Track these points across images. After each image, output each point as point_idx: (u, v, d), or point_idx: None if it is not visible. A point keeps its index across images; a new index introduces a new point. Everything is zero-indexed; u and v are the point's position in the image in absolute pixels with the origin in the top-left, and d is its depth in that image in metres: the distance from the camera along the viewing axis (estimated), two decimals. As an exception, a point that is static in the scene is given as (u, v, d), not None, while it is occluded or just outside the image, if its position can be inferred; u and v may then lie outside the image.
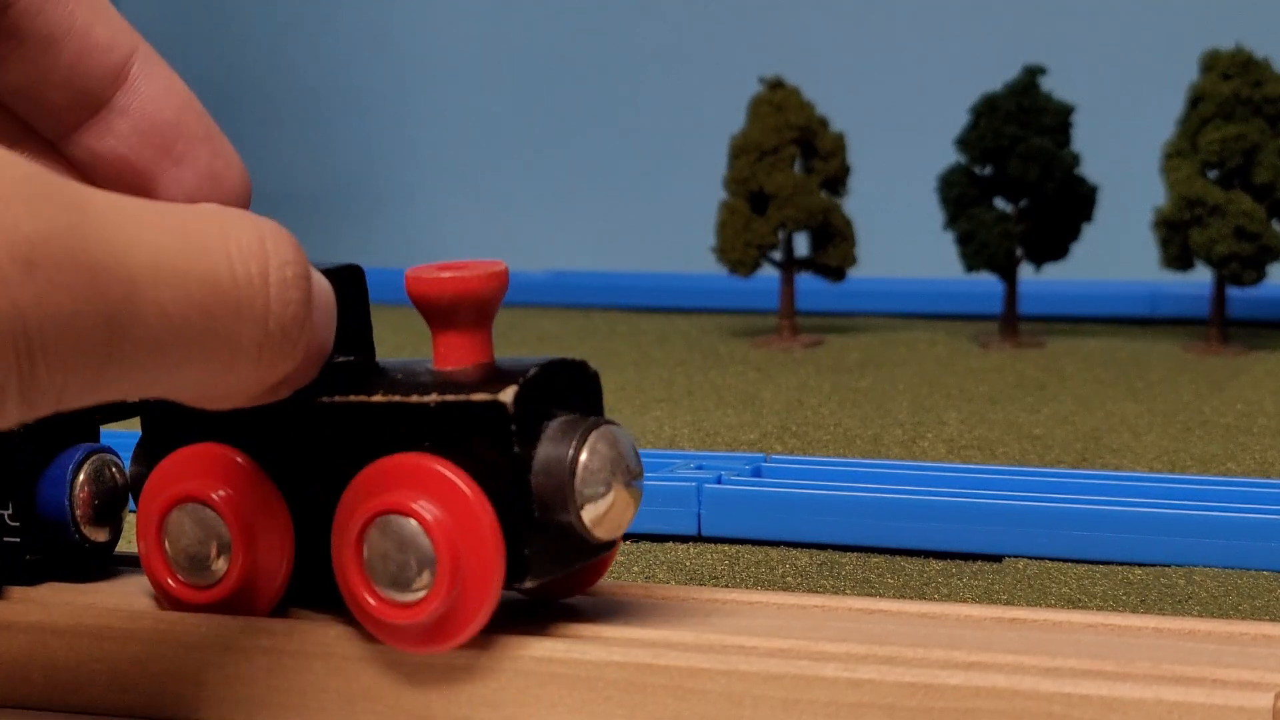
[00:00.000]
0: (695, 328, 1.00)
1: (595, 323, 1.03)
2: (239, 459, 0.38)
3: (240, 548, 0.38)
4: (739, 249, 0.92)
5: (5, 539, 0.40)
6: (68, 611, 0.39)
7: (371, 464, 0.36)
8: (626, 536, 0.57)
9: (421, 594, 0.35)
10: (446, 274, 0.36)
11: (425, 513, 0.35)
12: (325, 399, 0.37)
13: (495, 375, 0.36)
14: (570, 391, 0.37)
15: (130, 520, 0.40)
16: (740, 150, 0.93)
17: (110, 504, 0.41)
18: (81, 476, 0.40)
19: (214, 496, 0.38)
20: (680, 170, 1.32)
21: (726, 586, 0.52)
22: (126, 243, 0.29)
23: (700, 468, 0.60)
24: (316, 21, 1.44)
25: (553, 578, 0.37)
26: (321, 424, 0.37)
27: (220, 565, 0.38)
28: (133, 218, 0.29)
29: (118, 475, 0.41)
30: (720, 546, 0.56)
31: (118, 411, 0.42)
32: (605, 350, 0.93)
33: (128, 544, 0.41)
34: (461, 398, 0.36)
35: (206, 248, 0.30)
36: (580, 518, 0.36)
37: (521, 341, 0.95)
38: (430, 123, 1.42)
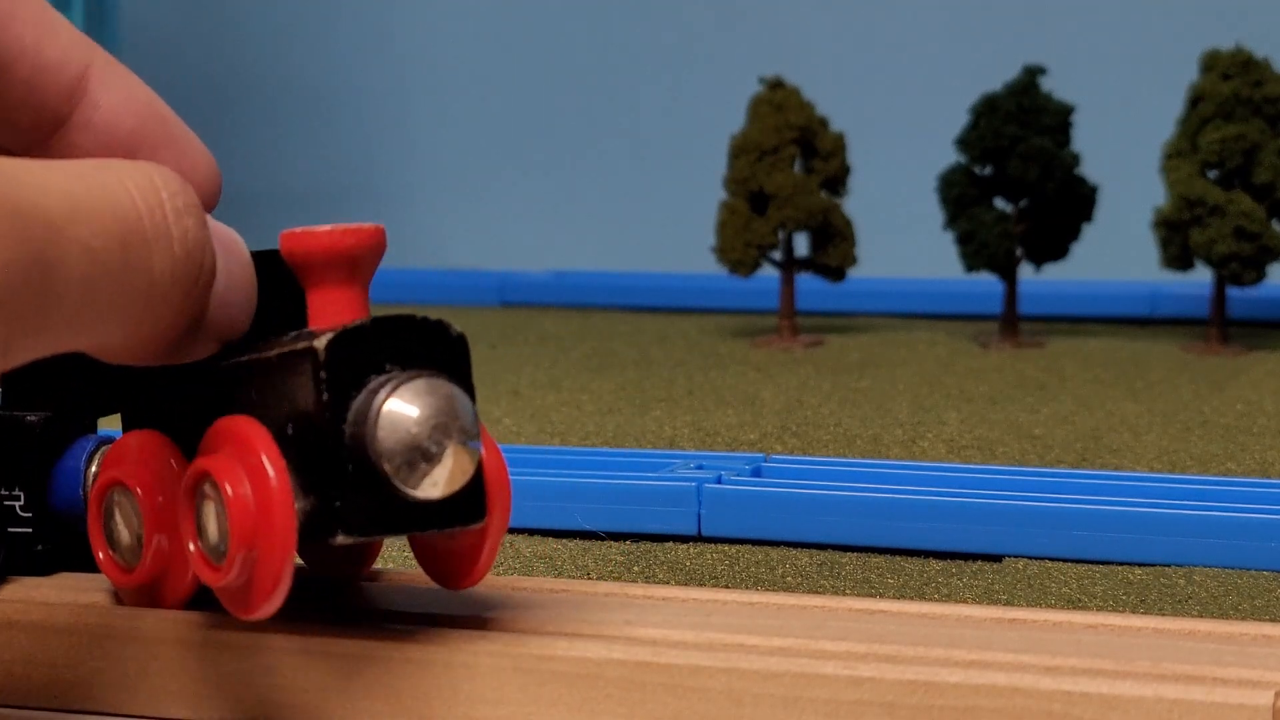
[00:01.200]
0: (695, 328, 1.00)
1: (595, 323, 1.03)
2: (159, 440, 0.38)
3: (151, 531, 0.38)
4: (739, 249, 0.92)
5: (14, 530, 0.41)
6: (68, 611, 0.39)
7: (217, 421, 0.36)
8: (626, 536, 0.57)
9: (222, 559, 0.35)
10: (318, 231, 0.36)
11: (228, 488, 0.35)
12: (218, 365, 0.37)
13: (326, 329, 0.35)
14: (422, 352, 0.36)
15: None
16: (740, 150, 0.93)
17: None
18: (94, 468, 0.41)
19: (129, 480, 0.38)
20: (680, 170, 1.32)
21: (726, 586, 0.52)
22: (39, 189, 0.30)
23: (700, 468, 0.60)
24: (316, 21, 1.44)
25: (374, 538, 0.36)
26: (208, 392, 0.37)
27: (138, 551, 0.38)
28: (38, 171, 0.31)
29: None
30: (720, 546, 0.56)
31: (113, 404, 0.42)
32: (605, 350, 0.93)
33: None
34: (286, 349, 0.35)
35: (108, 187, 0.32)
36: (384, 470, 0.35)
37: (523, 341, 0.95)
38: (430, 123, 1.42)
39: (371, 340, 0.35)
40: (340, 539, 0.35)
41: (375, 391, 0.35)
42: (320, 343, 0.35)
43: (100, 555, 0.39)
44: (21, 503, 0.41)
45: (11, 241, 0.29)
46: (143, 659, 0.38)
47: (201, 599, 0.38)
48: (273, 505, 0.35)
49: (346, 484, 0.35)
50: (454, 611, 0.38)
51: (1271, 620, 0.48)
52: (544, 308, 1.08)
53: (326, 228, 0.36)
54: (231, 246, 0.35)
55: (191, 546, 0.36)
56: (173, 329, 0.34)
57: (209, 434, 0.36)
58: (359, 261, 0.36)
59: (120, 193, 0.32)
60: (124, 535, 0.39)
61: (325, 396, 0.35)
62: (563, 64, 1.38)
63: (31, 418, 0.41)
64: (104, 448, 0.41)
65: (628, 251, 1.31)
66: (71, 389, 0.41)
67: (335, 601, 0.39)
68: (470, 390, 0.36)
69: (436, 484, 0.35)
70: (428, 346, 0.36)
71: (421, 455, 0.35)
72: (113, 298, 0.32)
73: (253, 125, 1.45)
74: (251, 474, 0.35)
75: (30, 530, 0.41)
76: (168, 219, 0.33)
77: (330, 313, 0.36)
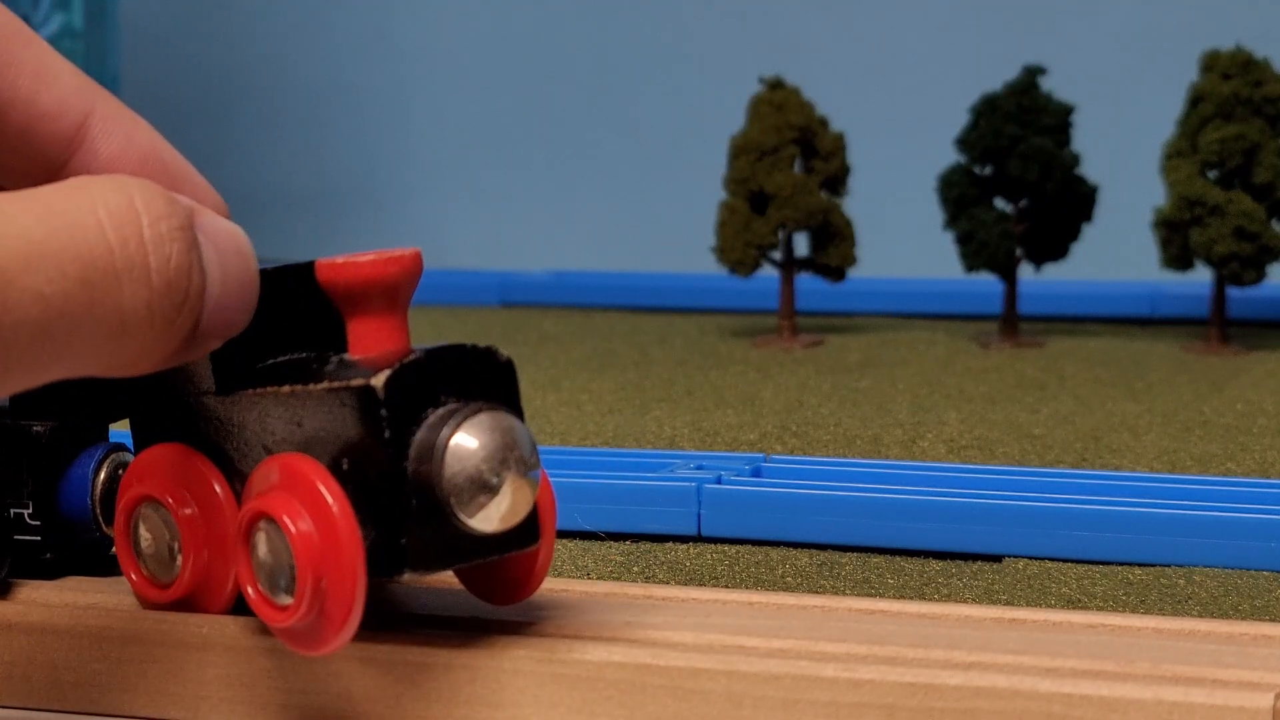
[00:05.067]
0: (695, 328, 1.00)
1: (595, 323, 1.03)
2: (193, 458, 0.38)
3: (190, 546, 0.38)
4: (739, 249, 0.92)
5: (22, 537, 0.41)
6: (69, 612, 0.39)
7: (265, 460, 0.36)
8: (626, 536, 0.57)
9: (289, 599, 0.35)
10: (360, 260, 0.36)
11: (290, 524, 0.35)
12: (251, 391, 0.37)
13: (376, 364, 0.35)
14: (472, 380, 0.36)
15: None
16: (740, 150, 0.93)
17: None
18: (103, 476, 0.41)
19: (163, 496, 0.38)
20: (680, 170, 1.32)
21: (726, 586, 0.52)
22: None
23: (700, 468, 0.60)
24: (316, 22, 1.44)
25: (438, 571, 0.36)
26: (243, 416, 0.37)
27: (176, 564, 0.38)
28: (3, 212, 0.30)
29: None
30: (720, 546, 0.56)
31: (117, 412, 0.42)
32: (605, 350, 0.93)
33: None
34: (340, 384, 0.35)
35: (77, 223, 0.31)
36: (451, 506, 0.35)
37: (523, 341, 0.95)
38: (430, 123, 1.42)
39: (426, 373, 0.35)
40: (407, 576, 0.35)
41: (437, 427, 0.35)
42: (379, 381, 0.35)
43: (133, 577, 0.39)
44: (30, 511, 0.41)
45: None
46: (143, 660, 0.38)
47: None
48: (340, 539, 0.34)
49: (411, 520, 0.35)
50: (454, 615, 0.38)
51: (1271, 620, 0.48)
52: (544, 308, 1.08)
53: (367, 257, 0.36)
54: (228, 244, 0.34)
55: (250, 590, 0.36)
56: (155, 352, 0.33)
57: (258, 474, 0.36)
58: (399, 290, 0.36)
59: (89, 227, 0.31)
60: (155, 550, 0.38)
61: (387, 434, 0.34)
62: (563, 64, 1.38)
63: (38, 427, 0.41)
64: (113, 455, 0.41)
65: (628, 251, 1.31)
66: (79, 398, 0.41)
67: None
68: (520, 414, 0.36)
69: (501, 516, 0.35)
70: (478, 374, 0.36)
71: (486, 489, 0.35)
72: (73, 339, 0.31)
73: (252, 125, 1.45)
74: (313, 509, 0.35)
75: (39, 539, 0.41)
76: (146, 248, 0.32)
77: (372, 342, 0.36)
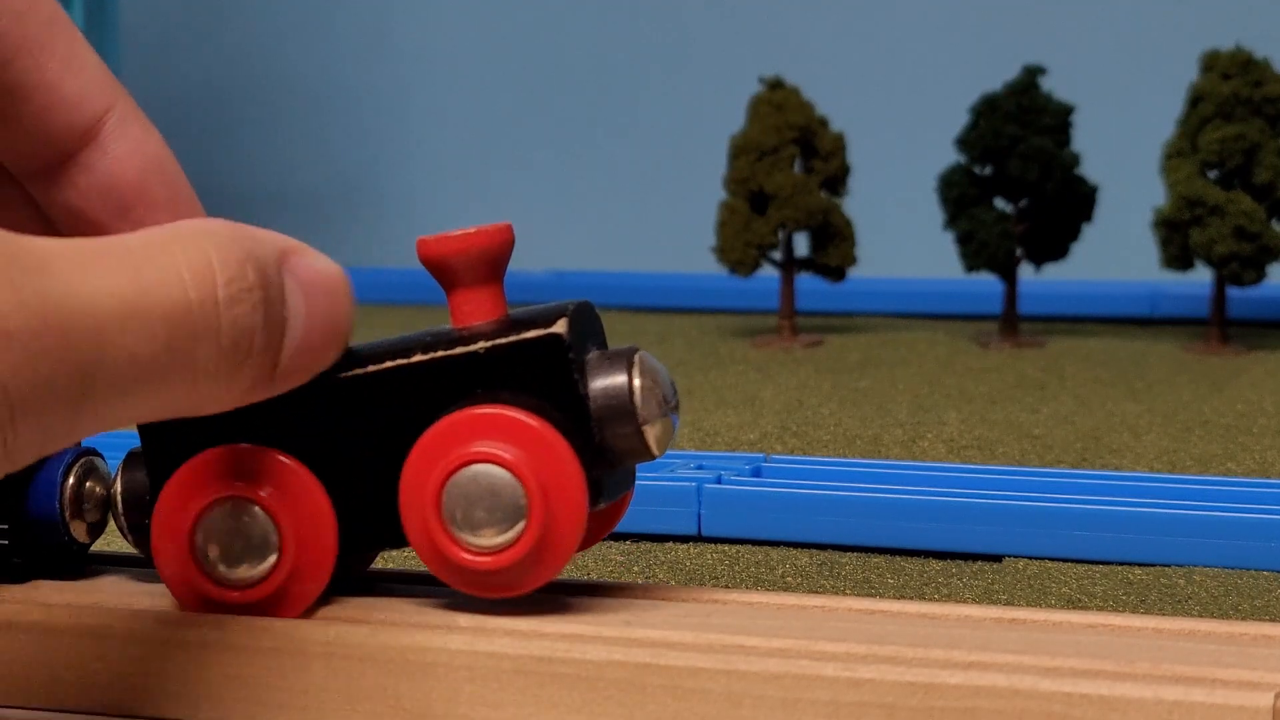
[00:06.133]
0: (695, 328, 1.00)
1: (595, 323, 1.03)
2: (270, 454, 0.38)
3: (287, 544, 0.38)
4: (739, 249, 0.92)
5: None
6: (68, 612, 0.39)
7: (430, 424, 0.37)
8: (626, 536, 0.57)
9: (513, 536, 0.36)
10: (463, 233, 0.38)
11: (507, 455, 0.36)
12: (351, 373, 0.38)
13: (530, 319, 0.37)
14: (592, 333, 0.38)
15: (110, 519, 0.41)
16: (740, 150, 0.93)
17: (97, 506, 0.41)
18: (72, 480, 0.41)
19: (257, 493, 0.38)
20: (680, 170, 1.32)
21: (726, 586, 0.52)
22: (90, 295, 0.30)
23: (700, 468, 0.60)
24: (316, 22, 1.44)
25: (614, 500, 0.39)
26: (354, 401, 0.38)
27: (267, 564, 0.38)
28: (93, 268, 0.30)
29: (103, 477, 0.41)
30: (720, 546, 0.56)
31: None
32: (605, 350, 0.93)
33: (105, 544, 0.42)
34: (513, 338, 0.37)
35: (164, 281, 0.31)
36: (642, 436, 0.37)
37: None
38: (430, 123, 1.42)
39: (579, 324, 0.38)
40: (602, 504, 0.38)
41: (610, 369, 0.37)
42: (561, 328, 0.37)
43: (214, 592, 0.38)
44: None
45: (55, 358, 0.29)
46: (143, 660, 0.38)
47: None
48: (562, 460, 0.36)
49: (598, 455, 0.37)
50: (454, 613, 0.38)
51: (1271, 620, 0.48)
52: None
53: (467, 230, 0.38)
54: (319, 284, 0.34)
55: (455, 545, 0.37)
56: (221, 400, 0.33)
57: (428, 438, 0.37)
58: (499, 260, 0.38)
59: (174, 285, 0.31)
60: (228, 552, 0.38)
61: (575, 376, 0.37)
62: (563, 64, 1.38)
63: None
64: (82, 460, 0.41)
65: (628, 251, 1.31)
66: None
67: (335, 604, 0.39)
68: None
69: (665, 444, 0.38)
70: (593, 328, 0.39)
71: (661, 423, 0.38)
72: (152, 394, 0.31)
73: (252, 125, 1.46)
74: (524, 443, 0.36)
75: (7, 543, 0.41)
76: (218, 308, 0.32)
77: (476, 311, 0.38)
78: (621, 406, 0.37)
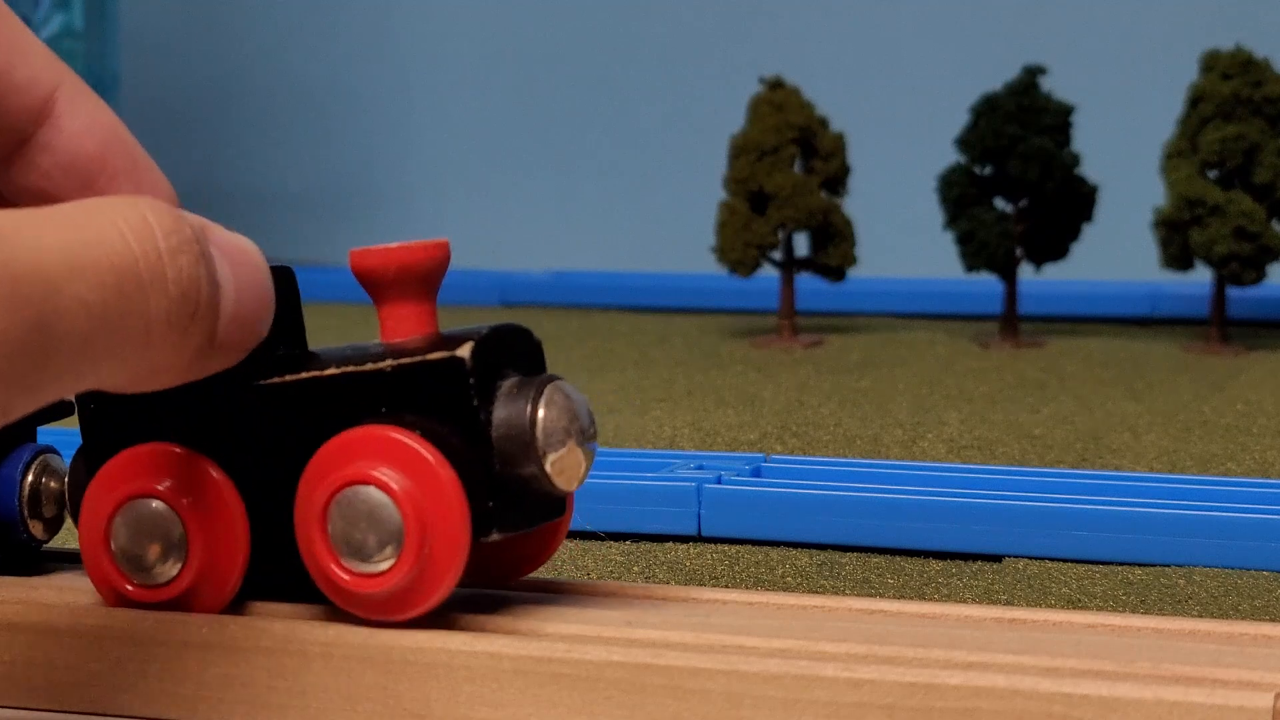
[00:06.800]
0: (695, 328, 1.00)
1: (595, 323, 1.03)
2: (187, 454, 0.38)
3: (196, 544, 0.38)
4: (739, 249, 0.92)
5: None
6: (69, 612, 0.39)
7: (330, 439, 0.37)
8: (626, 536, 0.57)
9: (389, 562, 0.36)
10: (396, 248, 0.38)
11: (389, 480, 0.36)
12: (275, 379, 0.38)
13: (447, 339, 0.37)
14: (518, 356, 0.38)
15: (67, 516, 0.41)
16: (740, 150, 0.93)
17: (53, 503, 0.42)
18: (30, 478, 0.41)
19: (163, 490, 0.38)
20: (680, 170, 1.32)
21: (726, 586, 0.52)
22: (35, 248, 0.30)
23: (700, 468, 0.60)
24: (316, 22, 1.44)
25: (516, 533, 0.38)
26: (273, 406, 0.38)
27: (172, 565, 0.38)
28: (32, 226, 0.31)
29: (60, 474, 0.42)
30: (720, 546, 0.56)
31: (53, 412, 0.42)
32: (605, 350, 0.93)
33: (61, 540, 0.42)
34: (418, 359, 0.37)
35: (105, 237, 0.32)
36: (543, 468, 0.37)
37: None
38: (430, 123, 1.42)
39: (494, 347, 0.37)
40: (495, 536, 0.37)
41: (518, 396, 0.37)
42: (464, 352, 0.36)
43: (129, 587, 0.39)
44: None
45: (10, 308, 0.29)
46: (142, 660, 0.38)
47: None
48: (446, 495, 0.36)
49: (497, 484, 0.37)
50: (454, 613, 0.38)
51: (1271, 620, 0.48)
52: (544, 308, 1.08)
53: (398, 245, 0.38)
54: (241, 257, 0.35)
55: (335, 565, 0.37)
56: (173, 363, 0.33)
57: (326, 451, 0.37)
58: (432, 277, 0.38)
59: (116, 239, 0.32)
60: (137, 550, 0.38)
61: (475, 403, 0.36)
62: (563, 64, 1.38)
63: None
64: (40, 457, 0.41)
65: (628, 251, 1.31)
66: None
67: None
68: None
69: (574, 478, 0.37)
70: (520, 351, 0.38)
71: (566, 453, 0.37)
72: (110, 347, 0.31)
73: (252, 125, 1.46)
74: (411, 469, 0.36)
75: None
76: (163, 260, 0.32)
77: (406, 327, 0.38)
78: (520, 437, 0.37)
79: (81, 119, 0.38)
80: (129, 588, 0.38)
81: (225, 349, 0.34)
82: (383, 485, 0.36)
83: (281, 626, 0.37)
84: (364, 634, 0.37)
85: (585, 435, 0.37)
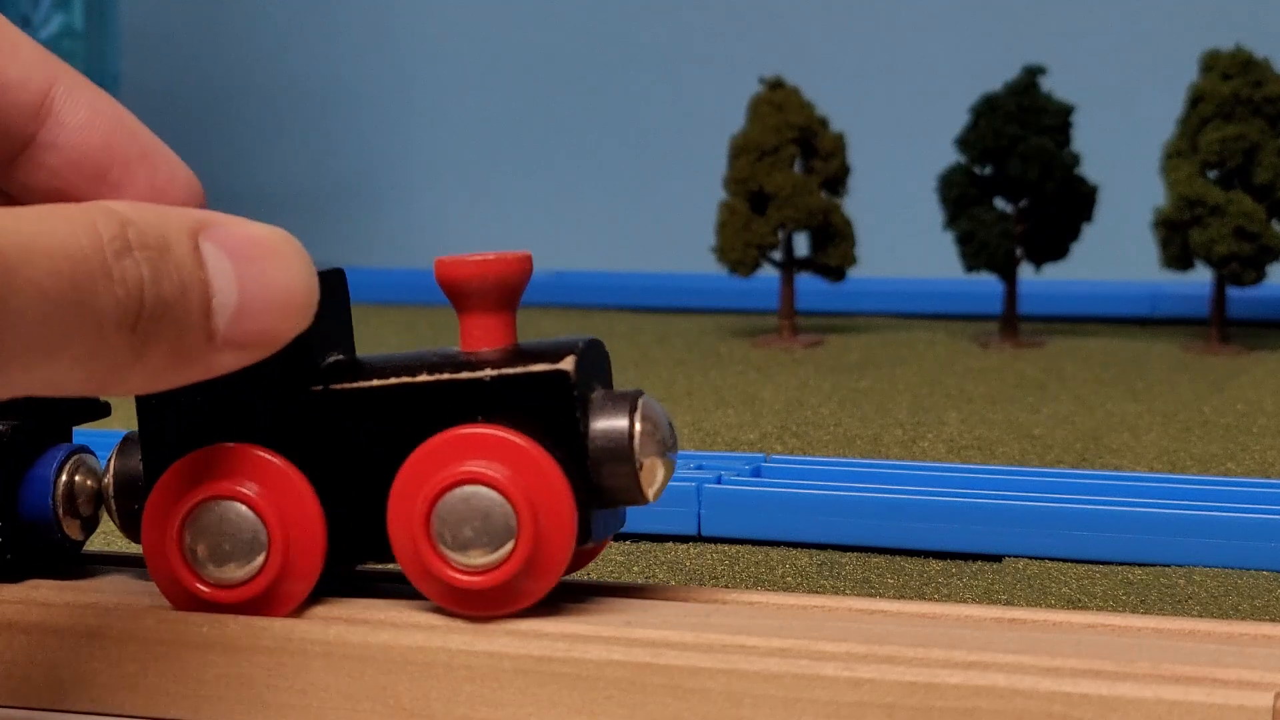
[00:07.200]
0: (695, 328, 1.00)
1: (595, 323, 1.03)
2: (264, 455, 0.38)
3: (276, 545, 0.38)
4: (739, 249, 0.92)
5: None
6: (68, 612, 0.39)
7: (428, 440, 0.37)
8: (626, 536, 0.57)
9: (505, 555, 0.37)
10: (481, 259, 0.38)
11: (499, 475, 0.37)
12: (355, 384, 0.38)
13: (538, 352, 0.38)
14: (597, 370, 0.39)
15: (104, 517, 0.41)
16: (740, 150, 0.93)
17: (89, 503, 0.41)
18: (64, 477, 0.41)
19: (245, 493, 0.38)
20: (680, 170, 1.32)
21: (726, 586, 0.52)
22: None
23: (700, 468, 0.60)
24: (316, 21, 1.44)
25: (599, 542, 0.39)
26: (360, 411, 0.38)
27: (252, 565, 0.38)
28: None
29: (95, 473, 0.41)
30: (720, 546, 0.56)
31: (89, 412, 0.42)
32: (605, 350, 0.93)
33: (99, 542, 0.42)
34: (520, 370, 0.38)
35: (57, 229, 0.31)
36: (638, 480, 0.38)
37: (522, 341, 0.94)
38: (430, 123, 1.42)
39: (586, 361, 0.38)
40: (589, 544, 0.38)
41: (612, 411, 0.38)
42: (568, 365, 0.37)
43: (202, 588, 0.38)
44: None
45: None
46: (143, 659, 0.38)
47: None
48: (552, 484, 0.37)
49: (593, 495, 0.38)
50: (454, 614, 0.38)
51: (1271, 620, 0.48)
52: (544, 308, 1.08)
53: (486, 256, 0.38)
54: (252, 251, 0.34)
55: (439, 562, 0.37)
56: (137, 364, 0.33)
57: (421, 453, 0.37)
58: (516, 288, 0.39)
59: (68, 233, 0.31)
60: (223, 552, 0.38)
61: (577, 414, 0.37)
62: (563, 64, 1.38)
63: (0, 426, 0.40)
64: (75, 457, 0.41)
65: (628, 251, 1.31)
66: (42, 398, 0.41)
67: (335, 604, 0.39)
68: None
69: (660, 489, 0.39)
70: (599, 364, 0.39)
71: (655, 465, 0.38)
72: (63, 338, 0.31)
73: (252, 125, 1.45)
74: (517, 464, 0.37)
75: (1, 540, 0.41)
76: (107, 260, 0.32)
77: (486, 337, 0.38)
78: (619, 449, 0.37)
79: (83, 112, 0.37)
80: (203, 589, 0.38)
81: (236, 346, 0.34)
82: (491, 481, 0.37)
83: (281, 626, 0.37)
84: (364, 634, 0.37)
85: (667, 447, 0.38)
